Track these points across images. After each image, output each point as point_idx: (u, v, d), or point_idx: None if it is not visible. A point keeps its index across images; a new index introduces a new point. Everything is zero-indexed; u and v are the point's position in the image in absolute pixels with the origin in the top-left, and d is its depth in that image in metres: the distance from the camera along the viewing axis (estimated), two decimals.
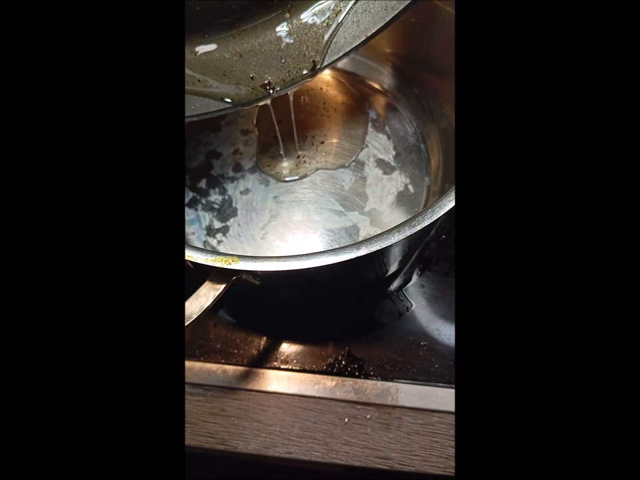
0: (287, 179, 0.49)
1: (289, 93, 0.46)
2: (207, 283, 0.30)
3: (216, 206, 0.48)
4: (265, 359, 0.43)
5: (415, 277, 0.46)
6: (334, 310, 0.45)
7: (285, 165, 0.50)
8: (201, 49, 0.33)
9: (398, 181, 0.48)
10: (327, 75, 0.54)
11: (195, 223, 0.48)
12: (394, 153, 0.50)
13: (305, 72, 0.34)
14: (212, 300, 0.29)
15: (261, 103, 0.35)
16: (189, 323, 0.28)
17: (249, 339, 0.44)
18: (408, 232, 0.29)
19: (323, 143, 0.50)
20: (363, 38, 0.33)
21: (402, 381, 0.42)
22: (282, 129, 0.50)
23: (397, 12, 0.32)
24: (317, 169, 0.49)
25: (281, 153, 0.50)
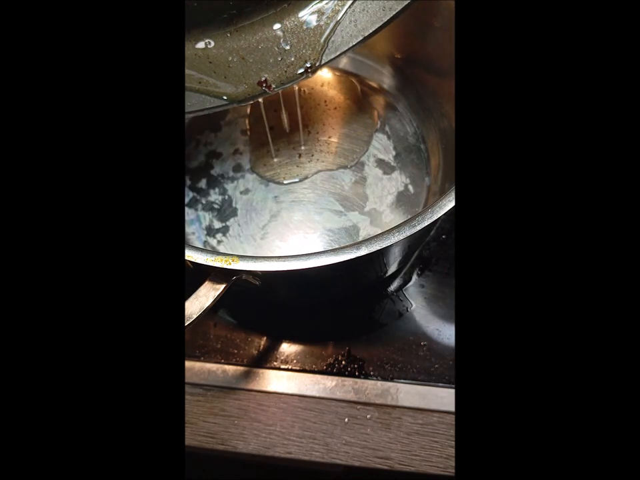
0: (285, 181, 0.49)
1: (295, 92, 0.46)
2: (206, 282, 0.30)
3: (216, 206, 0.48)
4: (265, 359, 0.43)
5: (414, 277, 0.46)
6: (334, 310, 0.45)
7: (283, 166, 0.50)
8: (198, 45, 0.33)
9: (398, 180, 0.48)
10: (327, 73, 0.54)
11: (195, 222, 0.48)
12: (394, 153, 0.50)
13: (301, 70, 0.34)
14: (212, 300, 0.29)
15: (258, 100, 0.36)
16: (189, 323, 0.28)
17: (249, 339, 0.44)
18: (408, 232, 0.29)
19: (325, 141, 0.50)
20: (360, 38, 0.33)
21: (402, 381, 0.42)
22: (280, 127, 0.50)
23: (394, 12, 0.32)
24: (318, 171, 0.49)
25: (274, 154, 0.50)
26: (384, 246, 0.28)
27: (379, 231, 0.30)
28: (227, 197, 0.49)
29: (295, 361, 0.43)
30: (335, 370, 0.42)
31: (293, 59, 0.34)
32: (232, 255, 0.29)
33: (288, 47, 0.33)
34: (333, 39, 0.33)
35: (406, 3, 0.32)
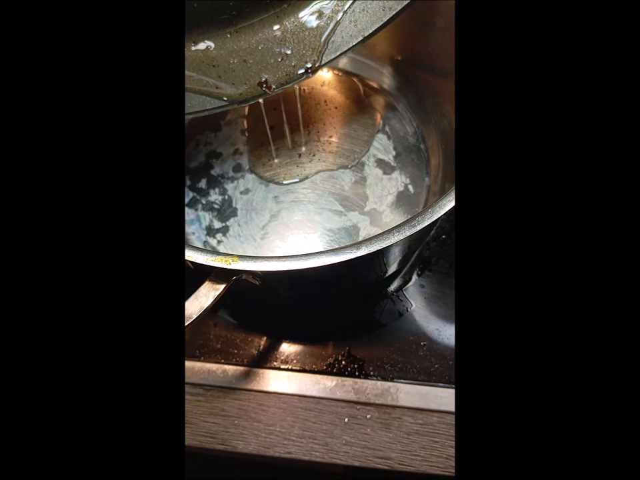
0: (285, 181, 0.49)
1: (296, 91, 0.46)
2: (206, 282, 0.30)
3: (216, 206, 0.48)
4: (265, 359, 0.43)
5: (414, 277, 0.46)
6: (334, 310, 0.45)
7: (283, 166, 0.50)
8: (198, 46, 0.33)
9: (398, 181, 0.48)
10: (327, 73, 0.54)
11: (195, 223, 0.48)
12: (394, 153, 0.50)
13: (301, 71, 0.34)
14: (212, 300, 0.29)
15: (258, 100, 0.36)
16: (189, 323, 0.28)
17: (249, 339, 0.44)
18: (408, 232, 0.29)
19: (325, 140, 0.50)
20: (360, 38, 0.33)
21: (402, 381, 0.42)
22: (280, 127, 0.50)
23: (394, 12, 0.32)
24: (318, 171, 0.49)
25: (274, 154, 0.50)
26: (384, 246, 0.28)
27: (379, 231, 0.30)
28: (227, 197, 0.49)
29: (294, 361, 0.43)
30: (334, 370, 0.42)
31: (292, 60, 0.34)
32: (232, 254, 0.29)
33: (288, 50, 0.33)
34: (333, 39, 0.33)
35: (406, 2, 0.32)
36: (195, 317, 0.29)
